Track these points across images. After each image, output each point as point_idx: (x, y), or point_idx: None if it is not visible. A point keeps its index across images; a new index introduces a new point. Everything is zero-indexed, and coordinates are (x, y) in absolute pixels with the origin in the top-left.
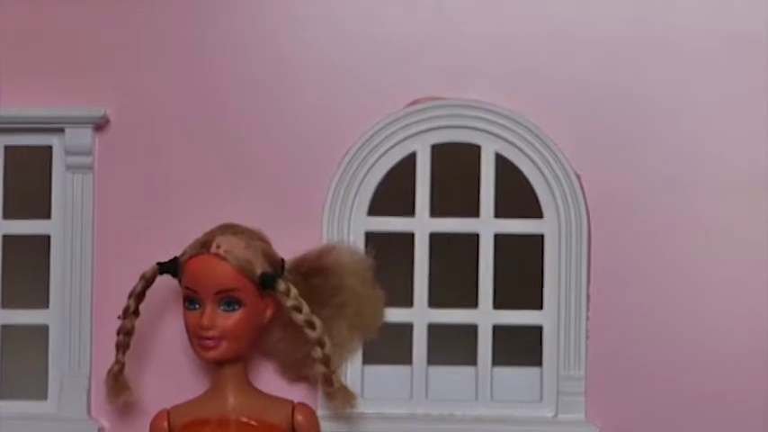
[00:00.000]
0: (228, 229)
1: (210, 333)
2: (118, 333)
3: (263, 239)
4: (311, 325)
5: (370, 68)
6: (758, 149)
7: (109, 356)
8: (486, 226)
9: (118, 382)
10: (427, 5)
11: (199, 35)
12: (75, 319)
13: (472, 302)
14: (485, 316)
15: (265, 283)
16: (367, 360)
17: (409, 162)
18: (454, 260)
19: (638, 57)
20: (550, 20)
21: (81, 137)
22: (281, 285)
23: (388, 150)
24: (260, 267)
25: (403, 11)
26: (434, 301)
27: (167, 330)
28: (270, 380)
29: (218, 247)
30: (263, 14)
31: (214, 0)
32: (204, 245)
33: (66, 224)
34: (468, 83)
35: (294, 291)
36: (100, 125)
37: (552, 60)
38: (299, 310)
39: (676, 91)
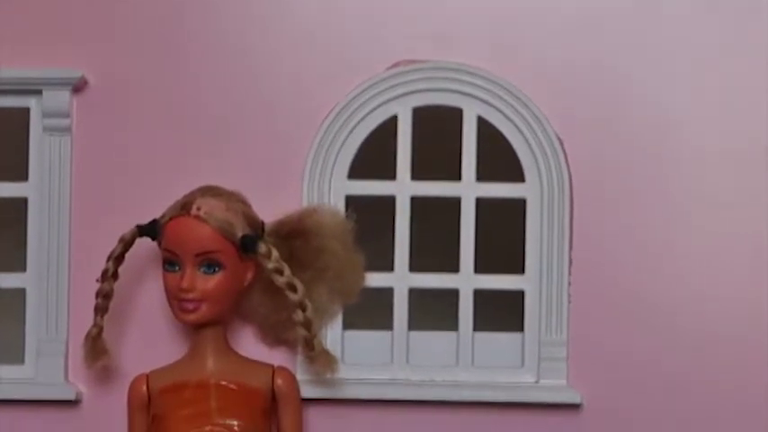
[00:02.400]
0: (209, 191)
1: (190, 296)
2: (96, 296)
3: (243, 202)
4: (292, 287)
5: (351, 31)
6: (743, 119)
7: (87, 320)
8: (468, 190)
9: (96, 346)
10: None
11: None
12: (52, 282)
13: (454, 267)
14: (466, 281)
15: (246, 246)
16: (347, 325)
17: (390, 125)
18: (435, 224)
19: (623, 21)
20: None
21: (59, 99)
22: (262, 248)
23: (369, 113)
24: (240, 230)
25: None
26: (415, 266)
27: (146, 293)
28: (250, 344)
29: (198, 209)
30: None
31: None
32: (184, 207)
33: (43, 187)
34: (450, 46)
35: (275, 253)
36: (78, 87)
37: (535, 23)
38: (280, 272)
39: (661, 55)
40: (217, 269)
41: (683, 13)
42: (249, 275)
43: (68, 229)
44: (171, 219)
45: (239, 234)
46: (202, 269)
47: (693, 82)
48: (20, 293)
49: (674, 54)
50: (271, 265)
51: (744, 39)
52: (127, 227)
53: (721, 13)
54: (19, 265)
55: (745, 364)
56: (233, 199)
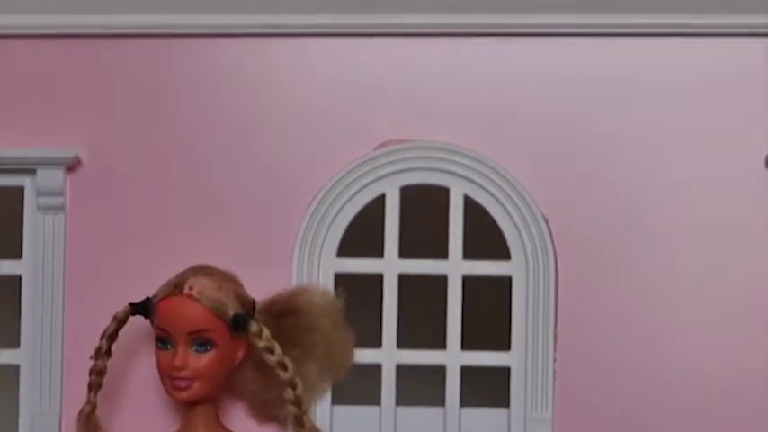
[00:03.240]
0: (201, 270)
1: (183, 374)
2: (90, 373)
3: (235, 281)
4: (283, 366)
5: (338, 112)
6: (735, 194)
7: (80, 396)
8: (455, 267)
9: (89, 423)
10: (395, 48)
11: (170, 77)
12: (46, 359)
13: (441, 343)
14: (453, 357)
15: (238, 325)
16: (336, 400)
17: (378, 204)
18: (423, 301)
19: (609, 98)
20: (518, 62)
21: (52, 178)
22: (254, 327)
23: (357, 192)
24: (232, 309)
25: (371, 54)
26: (403, 342)
27: (139, 371)
28: (240, 420)
29: (190, 288)
30: (232, 59)
31: (185, 43)
32: (177, 286)
33: (37, 264)
34: (437, 126)
35: (266, 332)
36: (71, 166)
37: (521, 102)
38: (271, 351)
39: (648, 133)
40: (209, 347)
41: (676, 87)
42: (240, 353)
43: (62, 307)
44: (163, 298)
45: (231, 313)
46: (194, 347)
47: (682, 160)
48: (14, 369)
49: (661, 132)
50: (262, 344)
51: (736, 117)
52: (120, 305)
53: (712, 90)
54: (13, 341)
55: None
56: (225, 278)
